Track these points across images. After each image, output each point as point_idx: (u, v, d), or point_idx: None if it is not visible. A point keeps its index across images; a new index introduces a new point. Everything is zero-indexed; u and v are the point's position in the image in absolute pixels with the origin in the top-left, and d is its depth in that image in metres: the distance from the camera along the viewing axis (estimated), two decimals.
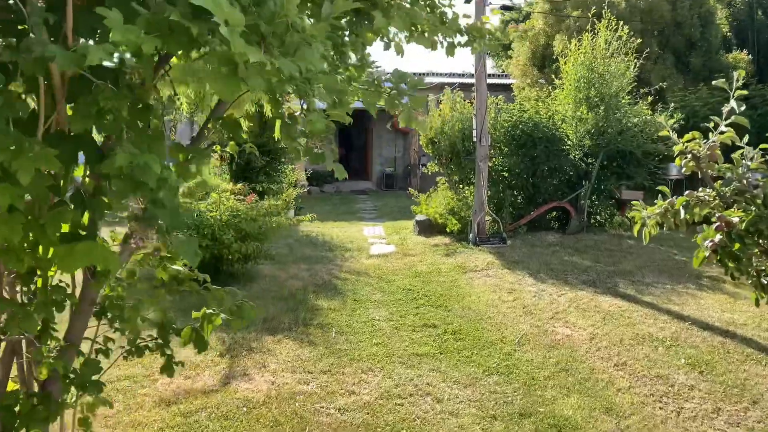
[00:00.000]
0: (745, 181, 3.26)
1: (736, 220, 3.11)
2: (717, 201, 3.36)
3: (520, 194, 11.83)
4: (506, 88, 19.12)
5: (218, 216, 7.66)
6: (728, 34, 19.68)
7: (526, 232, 11.31)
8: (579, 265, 9.08)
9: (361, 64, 2.37)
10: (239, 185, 9.61)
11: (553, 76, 13.14)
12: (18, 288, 2.45)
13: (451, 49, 3.29)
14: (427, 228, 11.49)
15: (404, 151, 21.83)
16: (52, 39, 1.97)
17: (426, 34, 3.06)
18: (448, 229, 11.06)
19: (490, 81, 12.72)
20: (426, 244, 10.68)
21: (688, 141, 3.42)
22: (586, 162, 11.72)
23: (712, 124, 3.42)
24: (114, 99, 1.78)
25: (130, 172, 1.64)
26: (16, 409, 2.42)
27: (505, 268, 8.97)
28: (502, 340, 6.10)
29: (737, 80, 3.22)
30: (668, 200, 3.44)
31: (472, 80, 11.25)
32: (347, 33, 2.42)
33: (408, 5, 2.56)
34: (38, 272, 2.34)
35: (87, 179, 2.27)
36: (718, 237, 3.22)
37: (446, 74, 21.84)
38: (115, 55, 2.08)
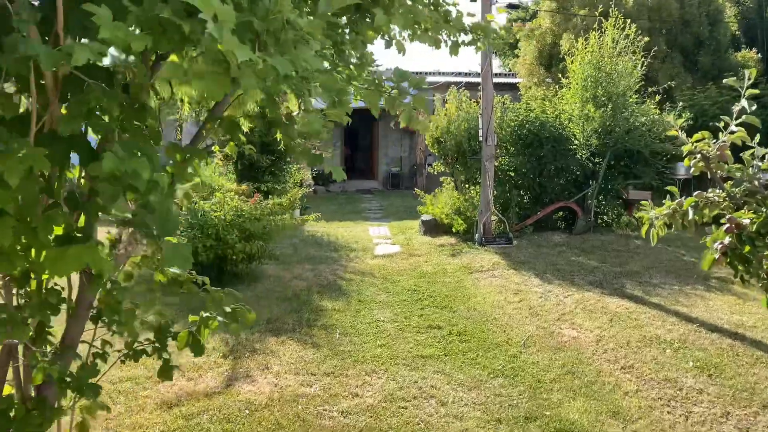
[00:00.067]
0: (756, 182, 3.18)
1: (746, 221, 3.05)
2: (727, 202, 3.29)
3: (526, 194, 11.75)
4: (513, 88, 19.02)
5: (222, 216, 7.62)
6: (737, 32, 19.53)
7: (532, 233, 11.23)
8: (586, 266, 9.00)
9: (361, 62, 2.32)
10: (243, 186, 9.56)
11: (560, 75, 13.04)
12: (14, 291, 2.41)
13: (455, 48, 3.23)
14: (433, 228, 11.43)
15: (410, 151, 21.75)
16: (46, 38, 1.93)
17: (429, 33, 3.00)
18: (453, 229, 10.99)
19: (496, 80, 12.65)
20: (431, 244, 10.61)
21: (697, 141, 3.35)
22: (593, 161, 11.63)
23: (722, 124, 3.34)
24: (105, 99, 1.73)
25: (120, 175, 1.59)
26: (11, 414, 2.39)
27: (511, 268, 8.90)
28: (507, 341, 6.04)
29: (748, 78, 3.15)
30: (677, 201, 3.37)
31: (478, 79, 11.17)
32: (347, 31, 2.36)
33: (410, 2, 2.50)
34: (32, 275, 2.30)
35: (83, 180, 2.23)
36: (727, 239, 3.16)
37: (452, 73, 21.75)
38: (114, 53, 2.04)
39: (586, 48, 11.69)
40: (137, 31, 1.81)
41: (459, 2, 3.15)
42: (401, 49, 2.54)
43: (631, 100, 11.48)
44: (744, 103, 3.24)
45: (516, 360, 5.58)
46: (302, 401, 4.70)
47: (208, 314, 2.65)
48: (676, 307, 7.08)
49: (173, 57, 2.45)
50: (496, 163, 11.08)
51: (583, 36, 12.29)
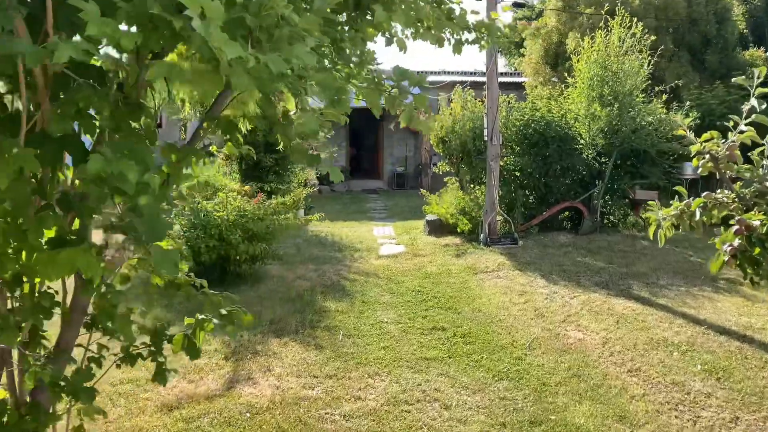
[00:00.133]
0: (766, 183, 3.12)
1: (756, 223, 2.98)
2: (736, 203, 3.22)
3: (531, 194, 11.66)
4: (518, 87, 18.92)
5: (225, 216, 7.57)
6: (745, 31, 19.39)
7: (537, 233, 11.15)
8: (592, 267, 8.91)
9: (361, 60, 2.25)
10: (246, 186, 9.51)
11: (566, 74, 12.94)
12: (7, 294, 2.36)
13: (458, 47, 3.17)
14: (438, 228, 11.36)
15: (415, 151, 21.68)
16: (36, 35, 1.88)
17: (432, 31, 2.94)
18: (458, 229, 10.92)
19: (501, 79, 12.56)
20: (436, 244, 10.55)
21: (705, 141, 3.28)
22: (600, 161, 11.54)
23: (731, 123, 3.28)
24: (95, 98, 1.68)
25: (106, 177, 1.53)
26: (4, 419, 2.34)
27: (517, 269, 8.83)
28: (512, 343, 5.97)
29: (758, 77, 3.08)
30: (684, 201, 3.31)
31: (484, 78, 11.10)
32: (347, 28, 2.30)
33: None
34: (24, 279, 2.25)
35: (78, 182, 2.18)
36: (737, 241, 3.09)
37: (457, 72, 21.66)
38: (109, 52, 1.98)
39: (592, 47, 11.60)
40: (133, 29, 1.76)
41: (463, 0, 3.10)
42: (402, 47, 2.48)
43: (637, 99, 11.38)
44: (754, 101, 3.17)
45: (521, 362, 5.51)
46: (304, 404, 4.65)
47: (203, 316, 2.59)
48: (683, 308, 6.99)
49: (172, 56, 2.41)
50: (502, 163, 11.01)
51: (589, 35, 12.21)
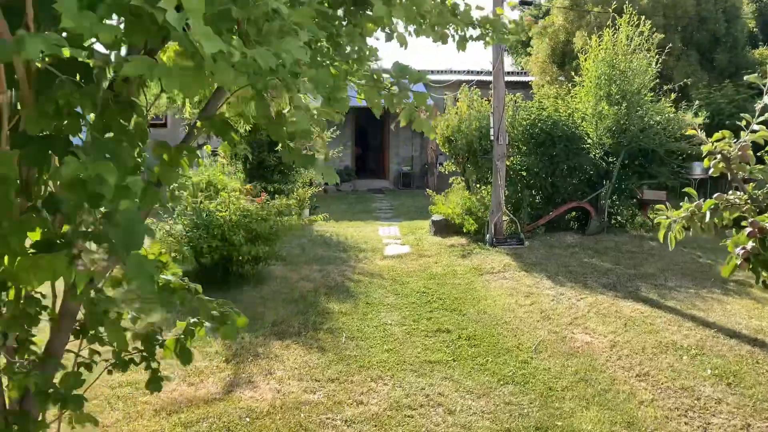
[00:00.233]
0: None
1: None
2: (749, 205, 3.12)
3: (538, 194, 11.54)
4: (525, 86, 18.80)
5: (228, 216, 7.49)
6: (754, 29, 19.19)
7: (544, 233, 11.02)
8: (599, 268, 8.79)
9: (359, 56, 2.16)
10: (248, 185, 9.42)
11: (573, 73, 12.81)
12: None
13: (462, 43, 3.08)
14: (444, 228, 11.26)
15: (421, 150, 21.56)
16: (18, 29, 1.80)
17: (435, 27, 2.85)
18: (464, 230, 10.81)
19: (508, 78, 12.46)
20: (442, 244, 10.44)
21: (717, 140, 3.19)
22: (607, 161, 11.40)
23: (744, 122, 3.18)
24: (77, 95, 1.59)
25: (86, 180, 1.44)
26: None
27: (523, 270, 8.71)
28: (518, 346, 5.87)
29: None
30: (695, 203, 3.21)
31: (490, 78, 10.98)
32: (345, 23, 2.21)
33: None
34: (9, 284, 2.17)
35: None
36: (750, 244, 2.99)
37: (463, 72, 21.54)
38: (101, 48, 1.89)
39: (599, 45, 11.46)
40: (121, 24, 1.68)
41: None
42: (403, 42, 2.39)
43: (646, 98, 11.24)
44: (767, 99, 3.07)
45: (527, 366, 5.41)
46: (305, 409, 4.56)
47: (194, 320, 2.51)
48: (692, 311, 6.87)
49: (170, 52, 2.32)
50: (508, 163, 10.89)
51: (596, 33, 12.07)
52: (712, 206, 3.15)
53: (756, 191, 3.16)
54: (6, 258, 1.95)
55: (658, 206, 3.32)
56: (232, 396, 4.76)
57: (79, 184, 1.44)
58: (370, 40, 2.59)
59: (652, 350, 5.73)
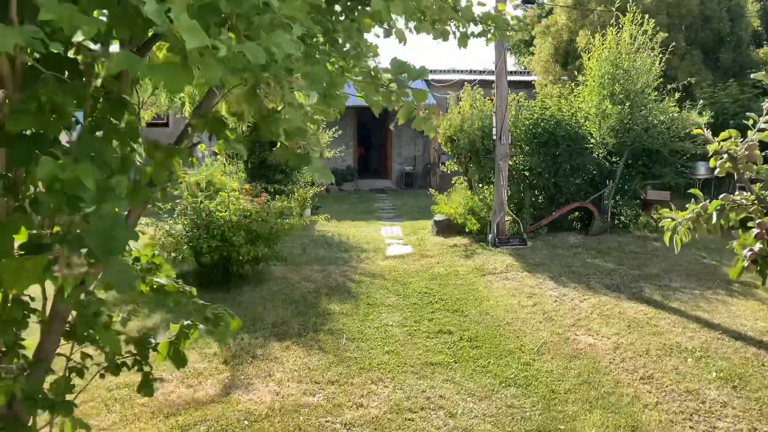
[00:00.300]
0: None
1: None
2: (756, 206, 3.06)
3: (541, 194, 11.48)
4: (528, 85, 18.70)
5: (228, 216, 7.44)
6: (759, 28, 19.06)
7: (547, 233, 10.95)
8: (602, 268, 8.72)
9: (357, 52, 2.10)
10: (248, 185, 9.34)
11: (576, 73, 12.73)
12: None
13: (464, 40, 3.02)
14: (446, 228, 11.19)
15: (424, 150, 21.48)
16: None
17: (436, 24, 2.79)
18: (467, 230, 10.74)
19: (511, 78, 12.39)
20: (444, 244, 10.38)
21: (723, 140, 3.12)
22: (610, 161, 11.33)
23: (750, 121, 3.11)
24: (60, 92, 1.53)
25: (65, 182, 1.38)
26: None
27: (525, 270, 8.64)
28: (520, 348, 5.80)
29: None
30: (701, 204, 3.14)
31: (493, 77, 10.90)
32: (342, 18, 2.14)
33: None
34: None
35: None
36: (758, 245, 2.93)
37: (466, 71, 21.44)
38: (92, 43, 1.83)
39: (603, 44, 11.39)
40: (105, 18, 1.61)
41: None
42: (402, 38, 2.33)
43: (649, 97, 11.16)
44: None
45: (529, 368, 5.34)
46: (304, 412, 4.50)
47: (188, 322, 2.45)
48: (697, 312, 6.80)
49: (165, 48, 2.26)
50: (511, 162, 10.82)
51: (600, 32, 11.99)
52: (719, 207, 3.09)
53: (763, 191, 3.10)
54: None
55: (663, 209, 3.26)
56: (231, 398, 4.71)
57: (59, 186, 1.38)
58: (369, 38, 2.53)
59: (656, 352, 5.66)
